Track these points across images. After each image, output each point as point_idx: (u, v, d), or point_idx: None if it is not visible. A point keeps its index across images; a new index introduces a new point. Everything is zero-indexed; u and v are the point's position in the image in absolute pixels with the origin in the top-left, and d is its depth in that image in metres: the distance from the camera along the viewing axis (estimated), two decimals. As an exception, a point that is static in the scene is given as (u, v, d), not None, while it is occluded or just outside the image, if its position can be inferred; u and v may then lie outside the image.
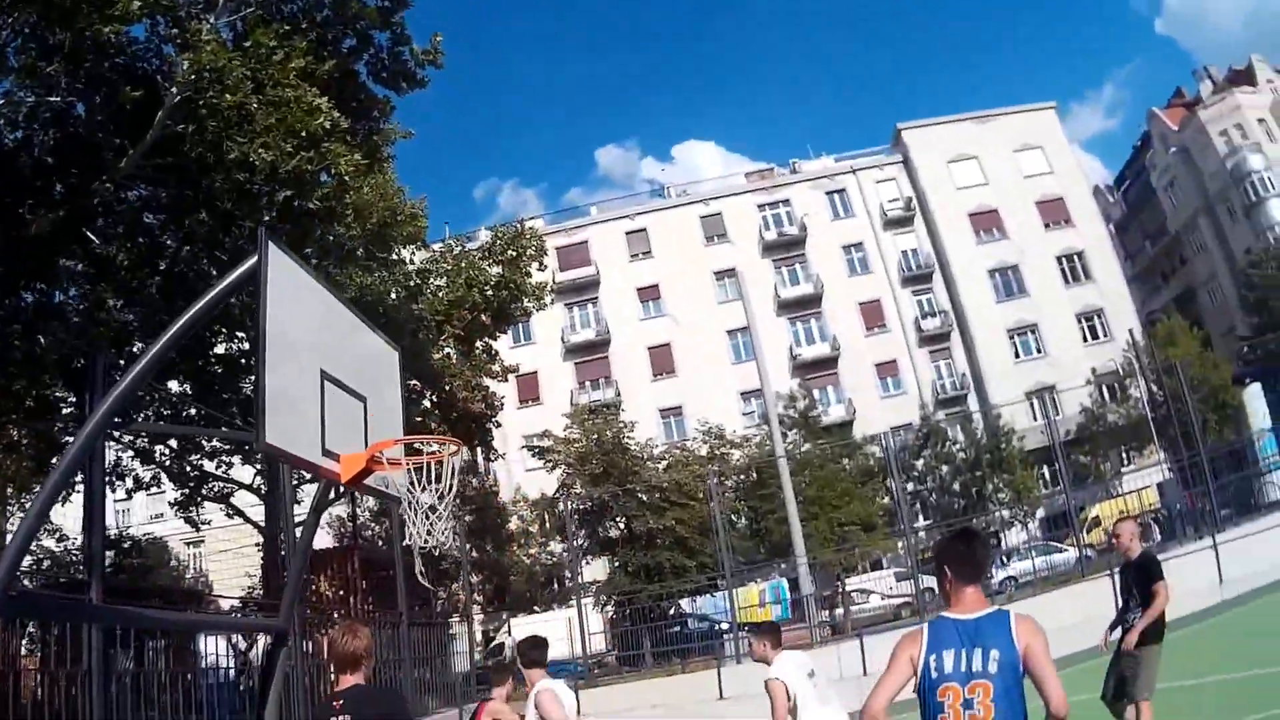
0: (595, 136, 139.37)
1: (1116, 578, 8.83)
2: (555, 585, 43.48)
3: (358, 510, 34.03)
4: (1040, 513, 42.81)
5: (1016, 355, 55.20)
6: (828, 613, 29.03)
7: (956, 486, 45.66)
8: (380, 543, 36.10)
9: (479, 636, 39.01)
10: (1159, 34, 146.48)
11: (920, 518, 46.35)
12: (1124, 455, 47.20)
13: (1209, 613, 15.51)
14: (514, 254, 27.15)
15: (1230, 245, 62.24)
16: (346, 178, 15.34)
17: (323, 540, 29.97)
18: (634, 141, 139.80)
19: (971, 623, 4.02)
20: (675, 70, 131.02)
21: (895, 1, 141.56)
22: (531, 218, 62.98)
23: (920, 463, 46.51)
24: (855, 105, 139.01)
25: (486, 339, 28.37)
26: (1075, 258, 57.33)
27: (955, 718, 3.89)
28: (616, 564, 35.25)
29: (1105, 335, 54.37)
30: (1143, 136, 75.14)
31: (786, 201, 59.18)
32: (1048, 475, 50.24)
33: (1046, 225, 57.54)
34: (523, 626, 31.14)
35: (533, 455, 38.57)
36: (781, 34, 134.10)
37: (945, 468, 46.24)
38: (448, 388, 26.76)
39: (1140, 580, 8.13)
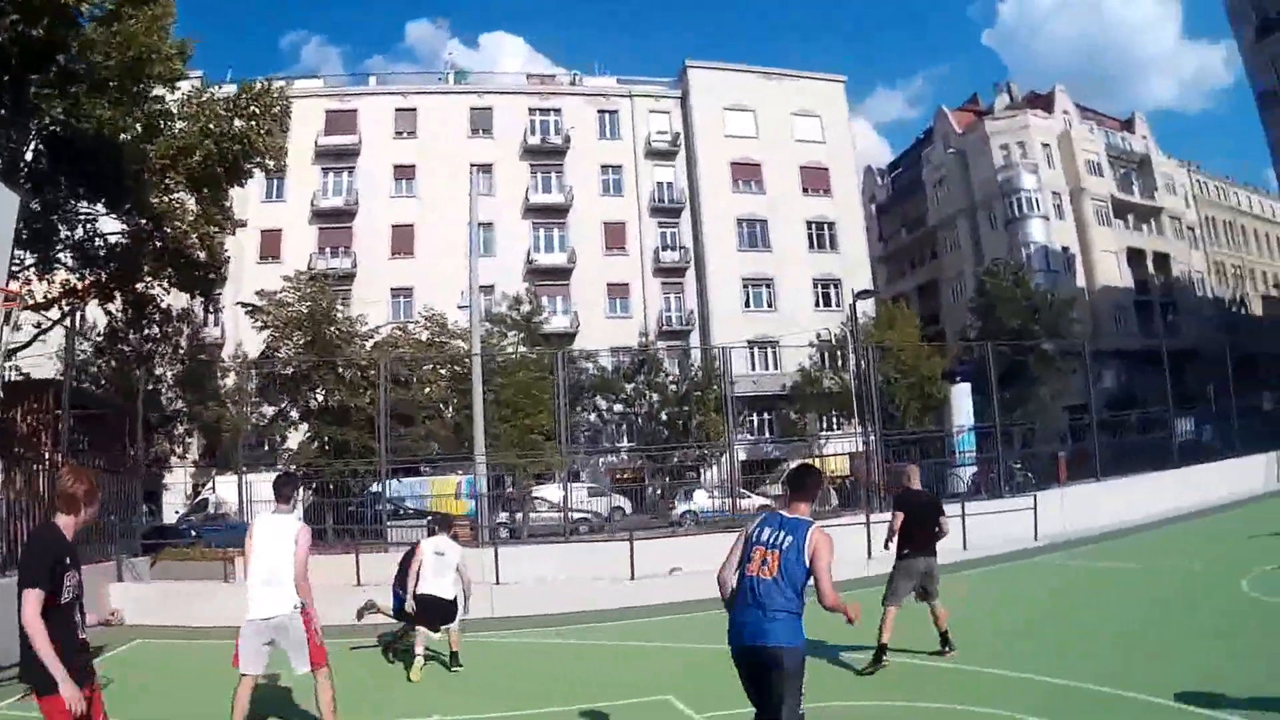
0: (410, 8, 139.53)
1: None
2: (265, 448, 43.12)
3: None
4: (742, 455, 43.32)
5: (747, 304, 57.72)
6: (508, 515, 29.28)
7: (664, 416, 47.40)
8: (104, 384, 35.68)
9: (189, 489, 39.11)
10: (984, 44, 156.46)
11: (626, 439, 49.80)
12: (833, 420, 49.18)
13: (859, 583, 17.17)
14: (256, 110, 27.13)
15: (983, 250, 66.20)
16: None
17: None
18: (446, 21, 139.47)
19: (790, 520, 6.05)
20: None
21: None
22: (309, 76, 63.44)
23: (631, 387, 48.08)
24: (669, 33, 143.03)
25: (218, 189, 28.00)
26: (825, 226, 60.37)
27: (755, 564, 5.92)
28: (308, 435, 36.28)
29: (837, 305, 56.50)
30: (927, 131, 79.77)
31: (559, 111, 60.40)
32: (756, 422, 53.59)
33: (805, 190, 60.56)
34: (229, 484, 31.31)
35: (245, 313, 38.86)
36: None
37: (656, 396, 47.88)
38: (169, 230, 26.71)
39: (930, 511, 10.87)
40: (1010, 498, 24.36)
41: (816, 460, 36.32)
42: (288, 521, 7.93)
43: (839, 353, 51.52)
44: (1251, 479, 28.37)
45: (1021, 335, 46.99)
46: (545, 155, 59.33)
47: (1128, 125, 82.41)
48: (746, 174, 60.19)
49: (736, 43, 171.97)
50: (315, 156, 56.69)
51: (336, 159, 57.47)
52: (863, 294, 41.80)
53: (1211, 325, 74.39)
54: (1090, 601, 14.01)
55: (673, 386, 48.22)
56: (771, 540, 5.99)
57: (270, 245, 54.37)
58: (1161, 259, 75.02)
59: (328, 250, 55.58)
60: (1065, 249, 67.90)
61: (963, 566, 17.77)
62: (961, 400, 35.03)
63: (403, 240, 56.53)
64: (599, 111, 61.09)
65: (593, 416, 48.26)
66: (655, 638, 13.89)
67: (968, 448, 32.59)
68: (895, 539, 10.61)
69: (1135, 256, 72.82)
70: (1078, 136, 72.38)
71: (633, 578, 18.51)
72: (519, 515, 29.20)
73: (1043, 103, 74.90)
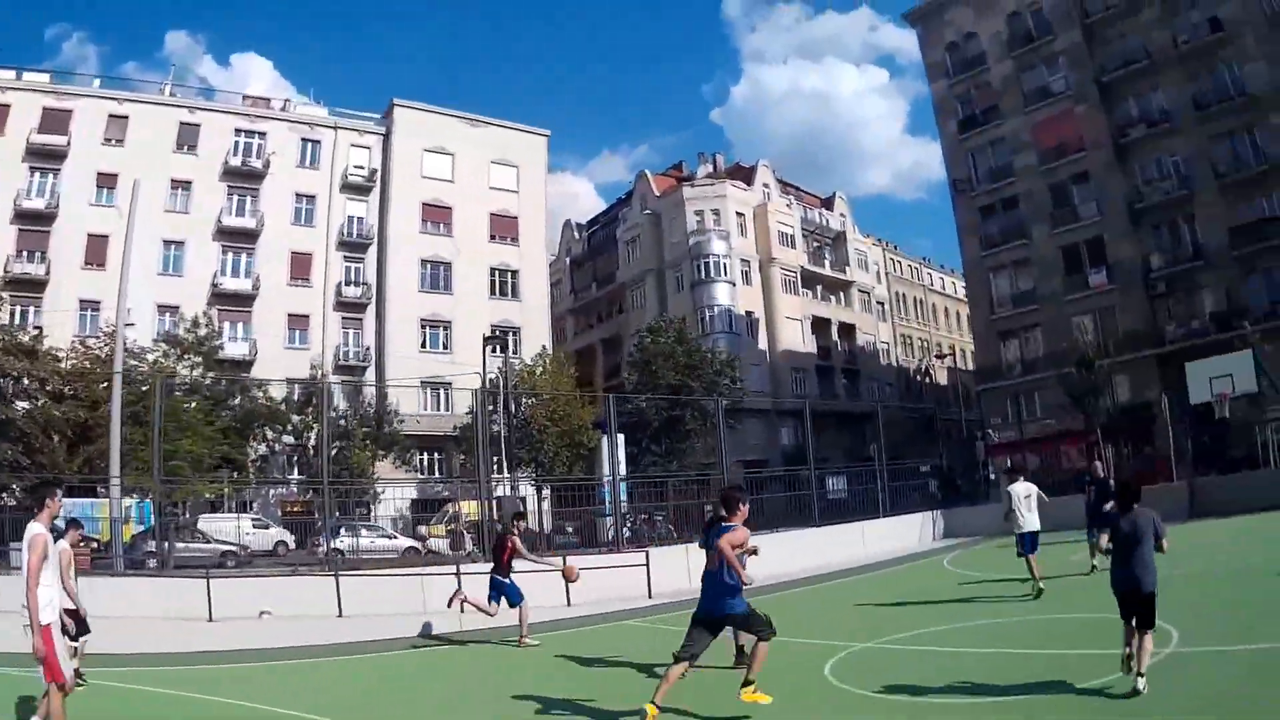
0: (173, 16, 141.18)
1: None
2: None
3: None
4: (412, 494, 47.11)
5: (424, 345, 61.06)
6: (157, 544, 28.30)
7: (334, 450, 47.29)
8: None
9: None
10: (712, 120, 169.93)
11: (297, 471, 51.06)
12: (501, 463, 53.21)
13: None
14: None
15: (667, 309, 71.23)
16: None
17: None
18: (204, 36, 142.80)
19: (725, 526, 9.87)
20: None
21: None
22: (36, 69, 62.95)
23: (298, 419, 50.08)
24: (420, 71, 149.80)
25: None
26: (509, 274, 65.29)
27: (708, 564, 9.82)
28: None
29: (514, 351, 59.96)
30: (628, 192, 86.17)
31: (264, 135, 61.63)
32: (426, 461, 57.14)
33: (493, 237, 65.39)
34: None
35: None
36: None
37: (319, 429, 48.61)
38: None
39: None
40: (626, 552, 24.39)
41: (487, 503, 39.17)
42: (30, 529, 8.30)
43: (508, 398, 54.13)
44: (907, 537, 32.24)
45: (679, 391, 50.67)
46: (244, 178, 60.14)
47: (828, 203, 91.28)
48: (437, 216, 63.96)
49: (488, 96, 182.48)
50: (25, 154, 55.79)
51: (45, 159, 56.35)
52: (490, 340, 46.64)
53: (894, 392, 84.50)
54: (584, 681, 12.23)
55: (341, 422, 50.02)
56: (712, 544, 9.85)
57: (-38, 245, 54.08)
58: (847, 328, 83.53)
59: (24, 254, 54.66)
60: (749, 313, 74.92)
61: (561, 625, 17.81)
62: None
63: (97, 251, 55.26)
64: (303, 139, 62.67)
65: (262, 447, 49.98)
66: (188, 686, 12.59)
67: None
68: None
69: (821, 324, 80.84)
70: (773, 209, 79.89)
71: (210, 619, 18.27)
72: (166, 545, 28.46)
73: (745, 175, 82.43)
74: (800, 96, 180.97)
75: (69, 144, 56.92)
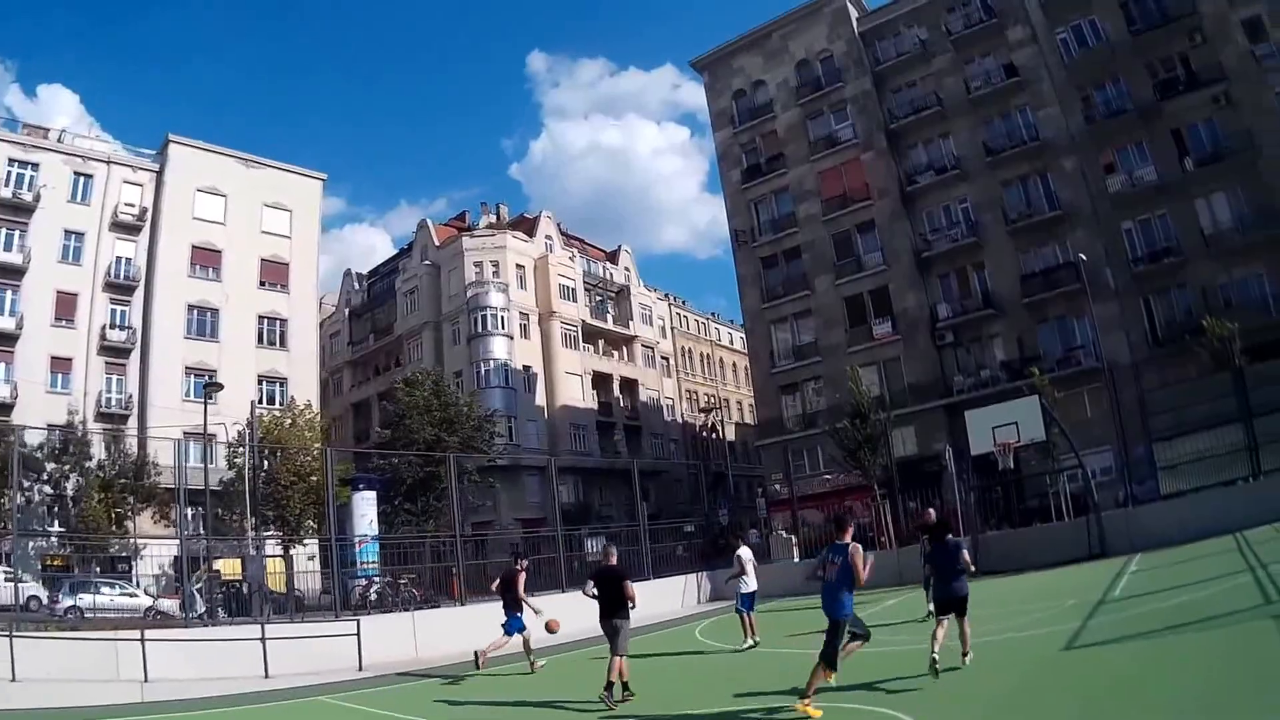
0: None
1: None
2: None
3: None
4: (174, 551, 47.42)
5: (189, 394, 59.67)
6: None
7: (96, 501, 49.73)
8: None
9: None
10: (510, 175, 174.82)
11: (57, 523, 50.81)
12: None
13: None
14: None
15: (444, 363, 73.61)
16: None
17: None
18: (13, 63, 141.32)
19: (840, 544, 12.21)
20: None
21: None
22: None
23: (53, 467, 50.38)
24: (221, 109, 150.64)
25: None
26: (278, 322, 65.71)
27: (826, 574, 12.12)
28: None
29: (279, 402, 61.21)
30: (410, 242, 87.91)
31: (37, 165, 60.40)
32: (190, 515, 58.56)
33: (263, 283, 65.74)
34: None
35: None
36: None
37: (79, 479, 50.61)
38: None
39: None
40: (338, 620, 23.62)
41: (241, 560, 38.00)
42: None
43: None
44: (670, 600, 33.17)
45: (434, 446, 49.85)
46: (13, 210, 58.83)
47: (612, 257, 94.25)
48: (206, 259, 63.65)
49: (288, 145, 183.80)
50: None
51: None
52: (209, 386, 46.92)
53: (678, 448, 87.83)
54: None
55: (99, 472, 50.96)
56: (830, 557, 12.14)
57: None
58: (630, 383, 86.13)
59: None
60: (528, 367, 76.54)
61: (249, 699, 17.57)
62: (364, 508, 35.99)
63: None
64: (75, 173, 61.66)
65: (20, 498, 47.27)
66: None
67: (369, 558, 33.58)
68: None
69: (602, 379, 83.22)
70: (555, 261, 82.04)
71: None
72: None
73: (527, 226, 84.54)
74: (599, 152, 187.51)
75: None
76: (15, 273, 58.58)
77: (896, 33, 63.40)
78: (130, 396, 60.56)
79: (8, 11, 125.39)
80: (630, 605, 14.83)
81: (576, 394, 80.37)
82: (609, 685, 14.01)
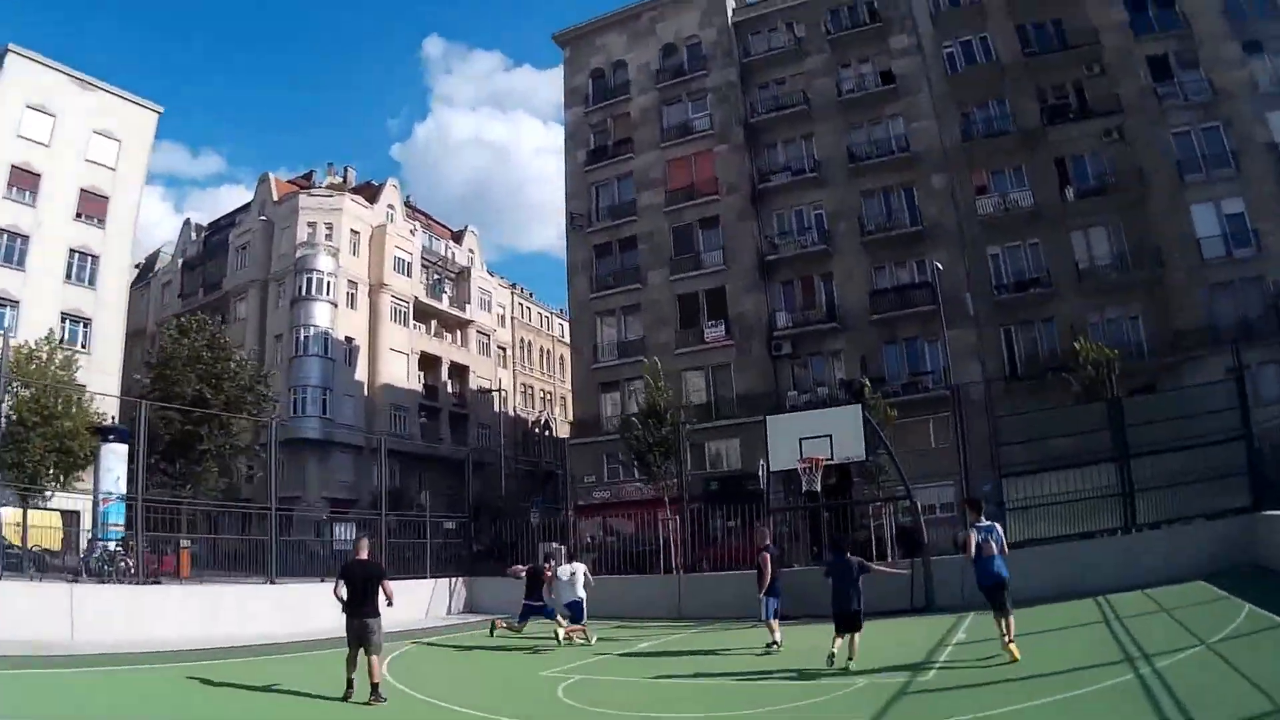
0: None
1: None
2: None
3: None
4: None
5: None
6: None
7: None
8: None
9: None
10: (391, 155, 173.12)
11: None
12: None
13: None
14: None
15: (265, 323, 71.29)
16: None
17: None
18: None
19: (983, 525, 15.80)
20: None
21: None
22: None
23: None
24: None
25: None
26: (89, 259, 61.13)
27: (985, 550, 15.45)
28: None
29: (85, 345, 57.76)
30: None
31: None
32: None
33: (79, 215, 60.96)
34: None
35: None
36: None
37: None
38: None
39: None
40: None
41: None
42: None
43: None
44: (411, 608, 29.21)
45: (195, 404, 46.15)
46: None
47: (457, 237, 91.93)
48: (24, 181, 58.71)
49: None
50: None
51: None
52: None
53: (508, 443, 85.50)
54: None
55: None
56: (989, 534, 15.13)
57: None
58: (460, 369, 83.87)
59: None
60: (350, 339, 73.49)
61: None
62: (112, 463, 32.64)
63: None
64: None
65: None
66: None
67: (115, 519, 30.39)
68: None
69: (431, 361, 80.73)
70: (394, 231, 79.28)
71: None
72: None
73: (370, 193, 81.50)
74: (481, 145, 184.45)
75: None
76: None
77: (773, 27, 62.07)
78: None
79: None
80: (387, 603, 14.38)
81: (401, 373, 77.50)
82: (375, 687, 13.73)
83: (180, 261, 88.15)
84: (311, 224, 75.29)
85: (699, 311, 59.01)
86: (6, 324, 54.77)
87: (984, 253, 52.12)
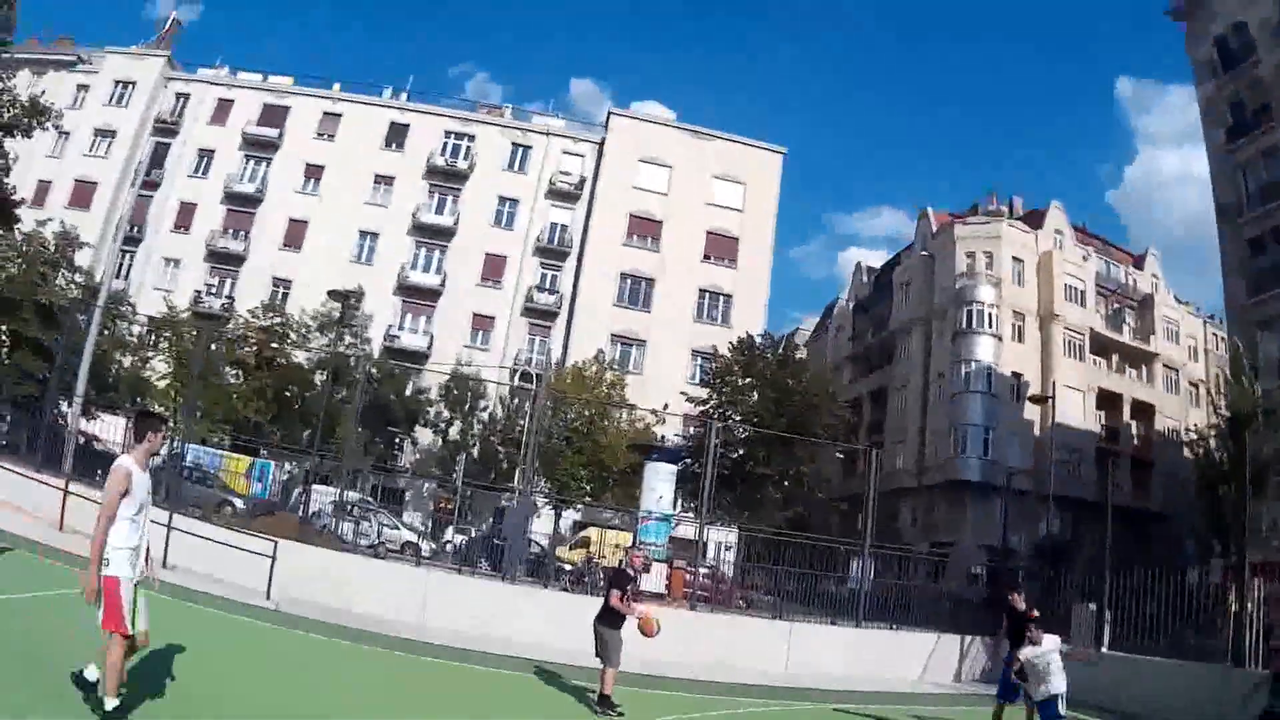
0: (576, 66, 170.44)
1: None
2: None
3: None
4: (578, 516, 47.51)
5: (616, 360, 58.67)
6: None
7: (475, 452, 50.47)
8: None
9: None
10: (1107, 202, 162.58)
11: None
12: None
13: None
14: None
15: (930, 360, 69.26)
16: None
17: None
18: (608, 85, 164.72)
19: None
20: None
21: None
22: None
23: (434, 412, 53.49)
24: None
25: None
26: (720, 298, 62.71)
27: None
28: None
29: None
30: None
31: (473, 137, 66.27)
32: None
33: (707, 257, 63.46)
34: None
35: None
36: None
37: (479, 427, 52.76)
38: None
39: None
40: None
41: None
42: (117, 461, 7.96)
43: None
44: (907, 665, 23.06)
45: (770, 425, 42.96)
46: (446, 177, 64.79)
47: (1138, 261, 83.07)
48: (645, 229, 63.81)
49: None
50: (242, 143, 65.08)
51: (259, 148, 65.07)
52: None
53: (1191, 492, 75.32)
54: None
55: (500, 429, 51.30)
56: None
57: (184, 217, 63.30)
58: (1144, 408, 74.92)
59: (230, 231, 63.28)
60: (1017, 375, 67.50)
61: None
62: (654, 483, 31.08)
63: (295, 234, 63.27)
64: (514, 144, 66.41)
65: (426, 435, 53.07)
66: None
67: (651, 539, 28.02)
68: None
69: (1109, 400, 72.78)
70: (1062, 258, 72.12)
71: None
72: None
73: (1033, 219, 75.77)
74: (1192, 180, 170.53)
75: (280, 135, 65.10)
76: (445, 234, 63.72)
77: None
78: (548, 355, 60.03)
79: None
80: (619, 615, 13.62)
81: (1075, 412, 68.95)
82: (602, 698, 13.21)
83: (851, 305, 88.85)
84: (970, 254, 70.91)
85: None
86: (634, 361, 60.29)
87: None
